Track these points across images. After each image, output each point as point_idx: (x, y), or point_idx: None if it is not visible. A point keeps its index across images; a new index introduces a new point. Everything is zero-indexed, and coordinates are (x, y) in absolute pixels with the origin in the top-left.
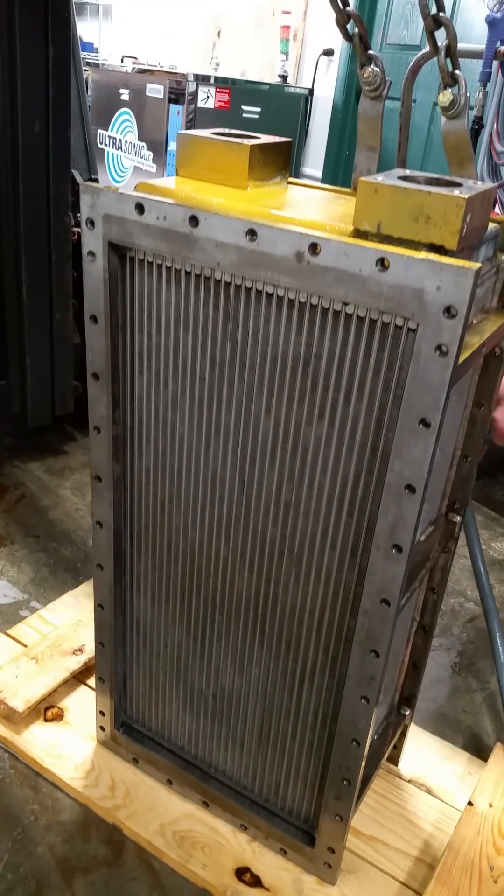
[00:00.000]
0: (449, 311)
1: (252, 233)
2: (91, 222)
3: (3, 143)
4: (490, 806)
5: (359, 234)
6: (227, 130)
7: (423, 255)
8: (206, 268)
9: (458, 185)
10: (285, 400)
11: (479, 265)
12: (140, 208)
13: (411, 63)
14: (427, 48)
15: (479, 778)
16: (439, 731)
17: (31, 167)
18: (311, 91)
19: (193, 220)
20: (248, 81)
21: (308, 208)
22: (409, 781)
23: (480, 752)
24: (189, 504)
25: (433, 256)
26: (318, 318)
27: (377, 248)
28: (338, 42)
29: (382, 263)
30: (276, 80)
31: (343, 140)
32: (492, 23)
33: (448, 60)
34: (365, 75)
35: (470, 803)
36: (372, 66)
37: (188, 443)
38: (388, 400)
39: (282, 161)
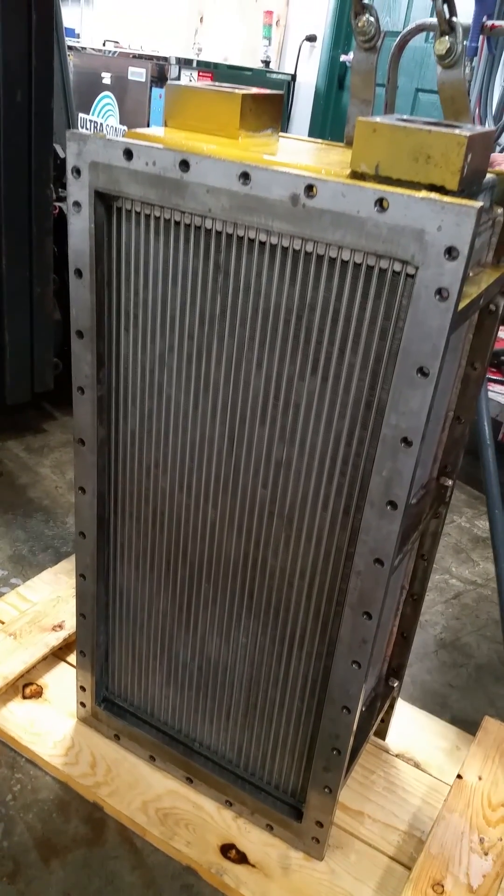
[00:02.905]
0: (450, 253)
1: (245, 176)
2: (77, 171)
3: None
4: (479, 779)
5: (356, 175)
6: (216, 83)
7: (423, 194)
8: (196, 216)
9: (458, 126)
10: (277, 355)
11: (481, 203)
12: (128, 154)
13: (397, 39)
14: (413, 24)
15: (468, 751)
16: (427, 706)
17: (13, 138)
18: (294, 77)
19: (184, 165)
20: (230, 66)
21: (302, 156)
22: (397, 756)
23: (468, 726)
24: (176, 467)
25: (434, 195)
26: (312, 266)
27: (376, 188)
28: (320, 28)
29: (381, 204)
30: (258, 65)
31: (325, 126)
32: None
33: (445, 6)
34: (360, 25)
35: (459, 776)
36: (367, 16)
37: (176, 402)
38: (384, 350)
39: (273, 113)
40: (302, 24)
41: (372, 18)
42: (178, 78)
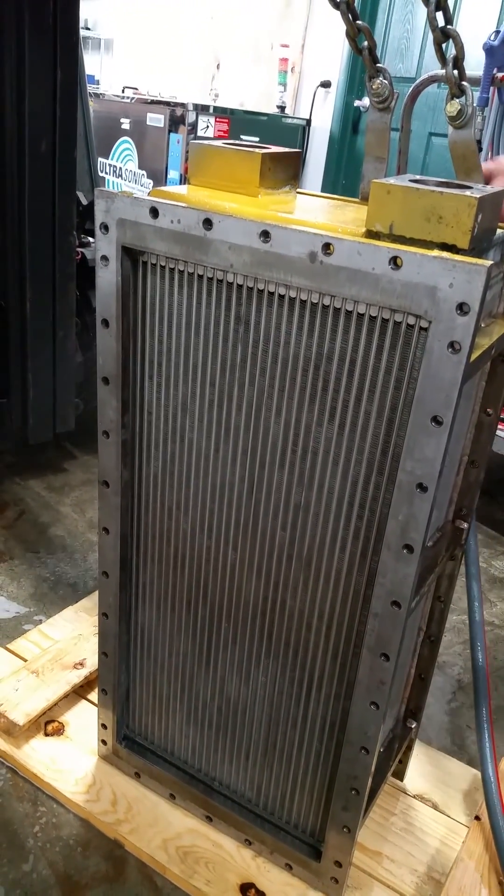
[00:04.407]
0: (462, 308)
1: (266, 234)
2: (105, 227)
3: (9, 162)
4: None
5: (371, 234)
6: (237, 142)
7: (436, 253)
8: (218, 270)
9: (469, 187)
10: (296, 402)
11: (491, 262)
12: (154, 212)
13: (410, 89)
14: (425, 75)
15: None
16: (445, 747)
17: (37, 187)
18: (309, 122)
19: (207, 223)
20: (246, 111)
21: (319, 213)
22: (415, 797)
23: None
24: (197, 509)
25: (446, 254)
26: (329, 318)
27: (390, 246)
28: (335, 74)
29: (395, 262)
30: (274, 110)
31: (340, 170)
32: (489, 50)
33: (455, 72)
34: (374, 87)
35: (477, 818)
36: (381, 79)
37: (197, 447)
38: (399, 399)
39: (291, 171)
40: (316, 70)
41: (385, 81)
42: (196, 123)
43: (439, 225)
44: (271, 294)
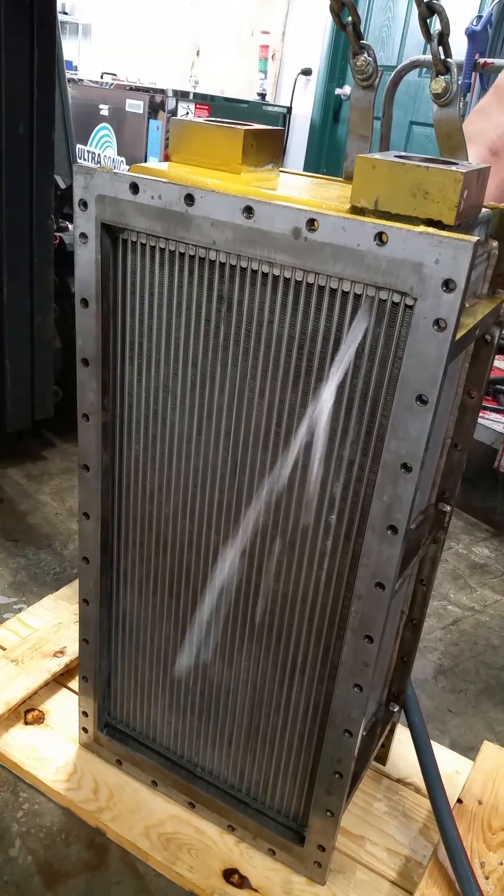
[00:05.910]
0: (447, 285)
1: (249, 210)
2: (84, 203)
3: None
4: (479, 803)
5: (356, 210)
6: (218, 119)
7: (421, 228)
8: (200, 248)
9: (455, 163)
10: (279, 383)
11: (477, 238)
12: (134, 188)
13: (392, 75)
14: (406, 61)
15: (467, 776)
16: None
17: (15, 169)
18: (290, 109)
19: (189, 199)
20: (227, 99)
21: (303, 190)
22: (398, 781)
23: (468, 751)
24: (179, 492)
25: (432, 230)
26: (313, 297)
27: (376, 222)
28: (315, 62)
29: (381, 238)
30: (254, 97)
31: (321, 157)
32: (471, 35)
33: (441, 48)
34: (358, 64)
35: (459, 801)
36: (364, 56)
37: (179, 429)
38: (383, 378)
39: (274, 149)
40: (297, 57)
41: (370, 58)
42: (176, 110)
43: (425, 200)
44: (254, 272)
